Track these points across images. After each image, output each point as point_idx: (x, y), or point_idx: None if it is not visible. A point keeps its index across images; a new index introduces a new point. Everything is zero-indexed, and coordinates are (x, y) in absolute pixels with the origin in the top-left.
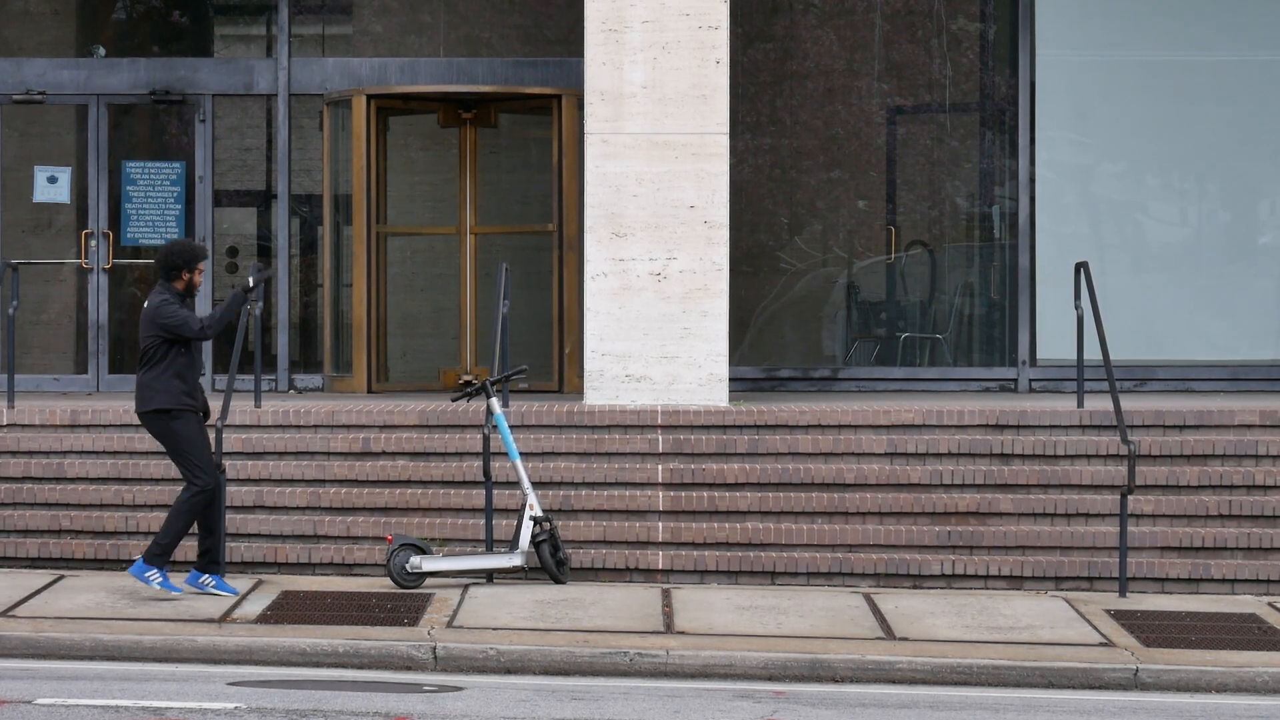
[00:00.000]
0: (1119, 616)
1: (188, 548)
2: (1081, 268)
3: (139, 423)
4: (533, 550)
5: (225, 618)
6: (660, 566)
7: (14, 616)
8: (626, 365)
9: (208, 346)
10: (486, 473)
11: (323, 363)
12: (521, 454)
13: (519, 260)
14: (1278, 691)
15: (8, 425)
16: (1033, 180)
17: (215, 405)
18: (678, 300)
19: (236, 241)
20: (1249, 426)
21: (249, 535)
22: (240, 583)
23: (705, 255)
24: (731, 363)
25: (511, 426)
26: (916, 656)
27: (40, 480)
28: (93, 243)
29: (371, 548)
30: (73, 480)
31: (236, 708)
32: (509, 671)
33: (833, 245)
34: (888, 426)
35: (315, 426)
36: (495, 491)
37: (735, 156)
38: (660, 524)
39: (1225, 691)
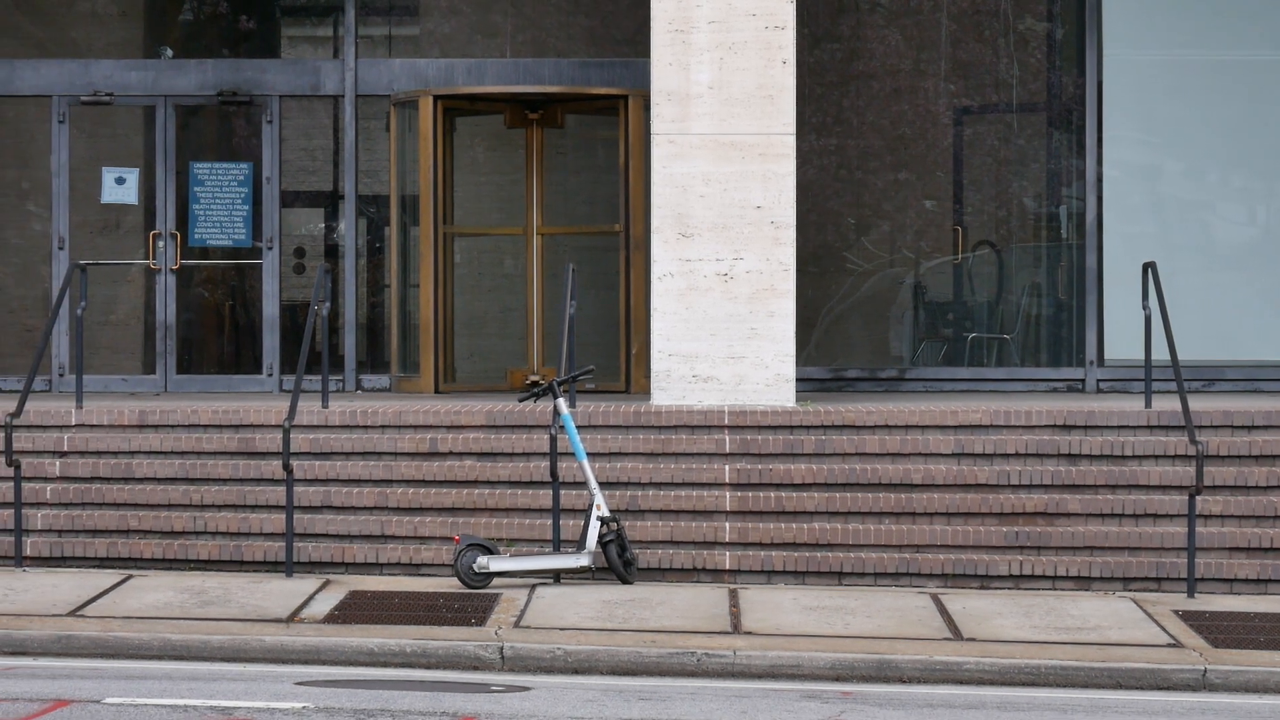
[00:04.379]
0: (1187, 617)
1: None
2: (1149, 268)
3: (207, 423)
4: (600, 550)
5: (293, 617)
6: (727, 567)
7: (83, 616)
8: (693, 366)
9: (274, 346)
10: (554, 473)
11: (390, 363)
12: (588, 454)
13: (585, 261)
14: None
15: (76, 425)
16: (1100, 180)
17: (283, 405)
18: (744, 301)
19: (303, 242)
20: None
21: (316, 535)
22: (308, 583)
23: (772, 255)
24: (798, 363)
25: (578, 427)
26: (984, 657)
27: (108, 480)
28: (160, 243)
29: (439, 548)
30: (141, 480)
31: (304, 707)
32: (576, 672)
33: (900, 246)
34: (955, 427)
35: (382, 427)
36: (562, 492)
37: (801, 157)
38: (727, 524)
39: None
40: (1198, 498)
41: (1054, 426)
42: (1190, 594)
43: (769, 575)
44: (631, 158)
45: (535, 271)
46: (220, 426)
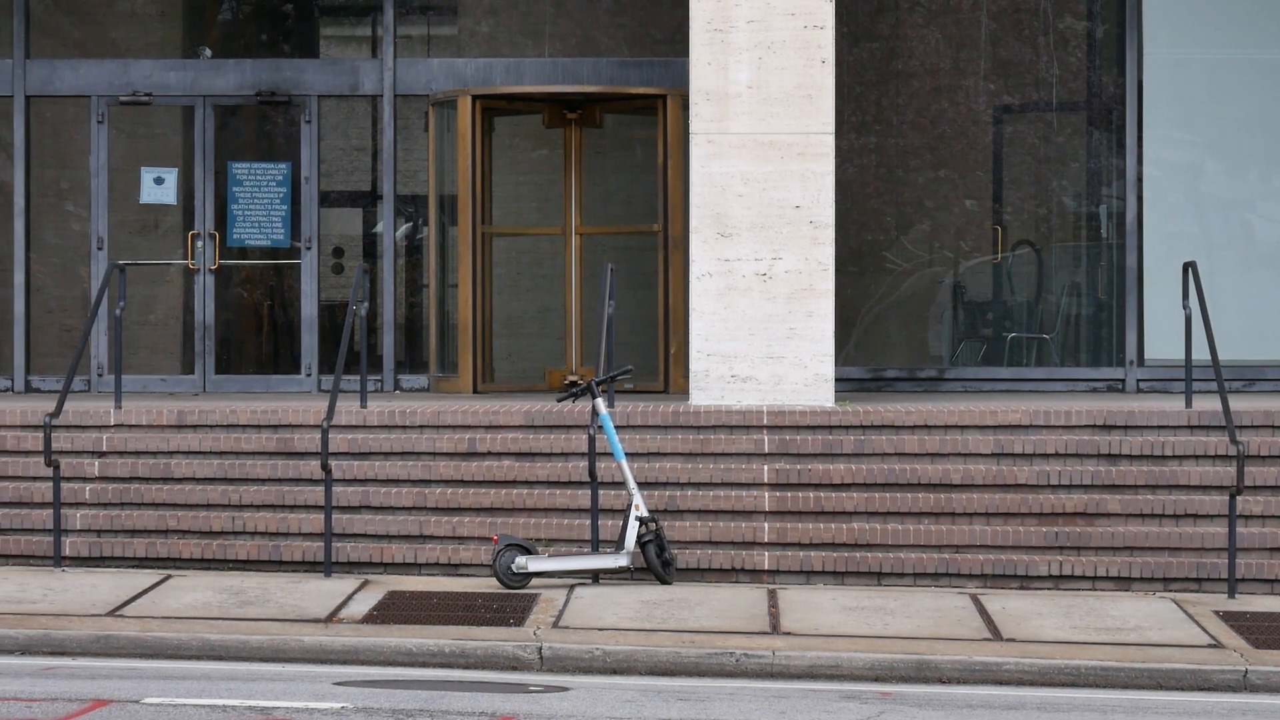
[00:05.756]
0: (1228, 618)
1: (301, 546)
2: (1189, 267)
3: (245, 423)
4: (638, 551)
5: (332, 618)
6: (766, 567)
7: (122, 616)
8: (732, 365)
9: (312, 346)
10: (592, 473)
11: (428, 363)
12: (627, 454)
13: (624, 260)
14: None
15: (115, 425)
16: (1140, 179)
17: (321, 405)
18: (783, 300)
19: (341, 242)
20: None
21: (355, 535)
22: (346, 583)
23: (810, 255)
24: (837, 363)
25: (617, 427)
26: (1024, 658)
27: (147, 480)
28: (199, 244)
29: (477, 548)
30: (179, 480)
31: (343, 707)
32: (614, 672)
33: (939, 245)
34: (994, 427)
35: (421, 427)
36: (601, 492)
37: (840, 156)
38: (766, 524)
39: None
40: (1238, 498)
41: (1094, 426)
42: (1231, 594)
43: (808, 575)
44: (670, 157)
45: (573, 271)
46: (259, 426)
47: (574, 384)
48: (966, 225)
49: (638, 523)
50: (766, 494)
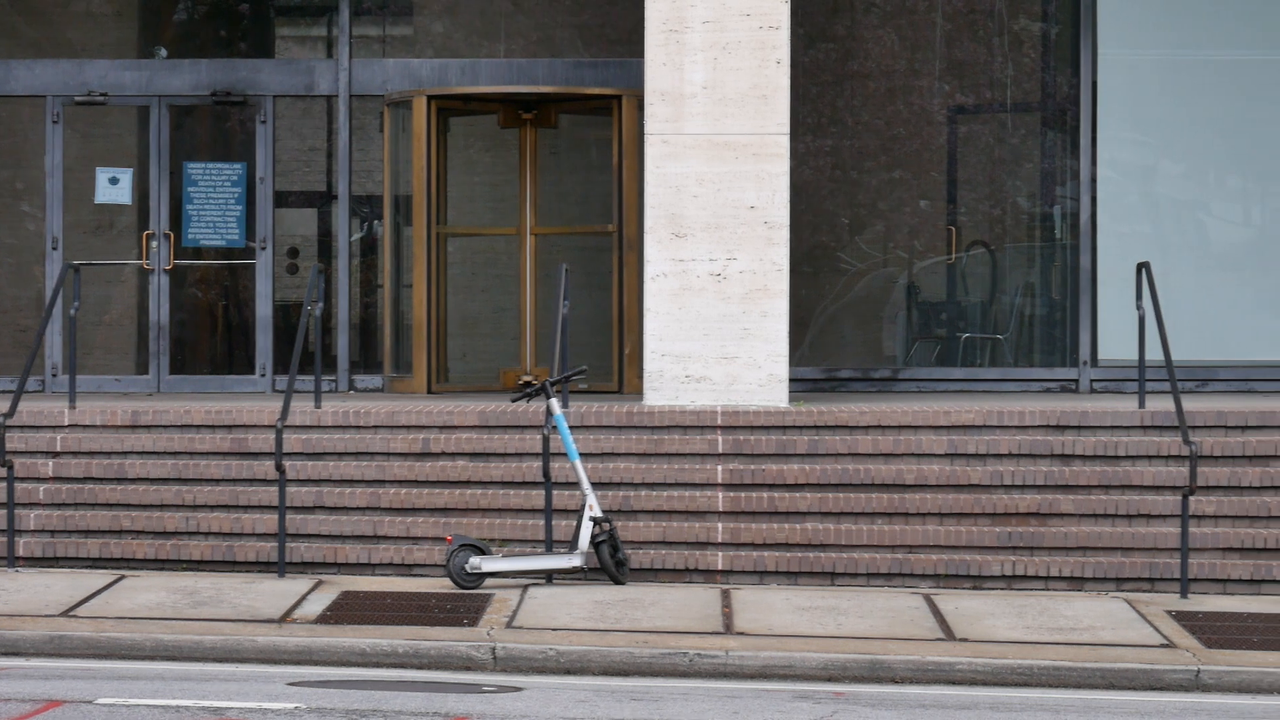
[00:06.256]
0: (1180, 618)
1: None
2: (1143, 268)
3: (200, 423)
4: (592, 551)
5: (285, 618)
6: (720, 567)
7: (75, 616)
8: (686, 366)
9: (267, 346)
10: (546, 473)
11: (383, 363)
12: (581, 454)
13: (579, 261)
14: None
15: (70, 426)
16: (1094, 180)
17: (275, 405)
18: (737, 301)
19: (297, 243)
20: None
21: (309, 535)
22: (300, 583)
23: (765, 256)
24: (791, 363)
25: (571, 427)
26: (977, 657)
27: (101, 481)
28: (154, 244)
29: (431, 548)
30: (133, 481)
31: (296, 708)
32: (568, 672)
33: (893, 245)
34: (948, 427)
35: (375, 427)
36: (555, 492)
37: (796, 158)
38: (720, 525)
39: None
40: (1191, 498)
41: (1047, 427)
42: (1183, 594)
43: (761, 576)
44: (625, 158)
45: (528, 272)
46: (213, 427)
47: (528, 384)
48: (921, 226)
49: (591, 523)
50: (720, 494)
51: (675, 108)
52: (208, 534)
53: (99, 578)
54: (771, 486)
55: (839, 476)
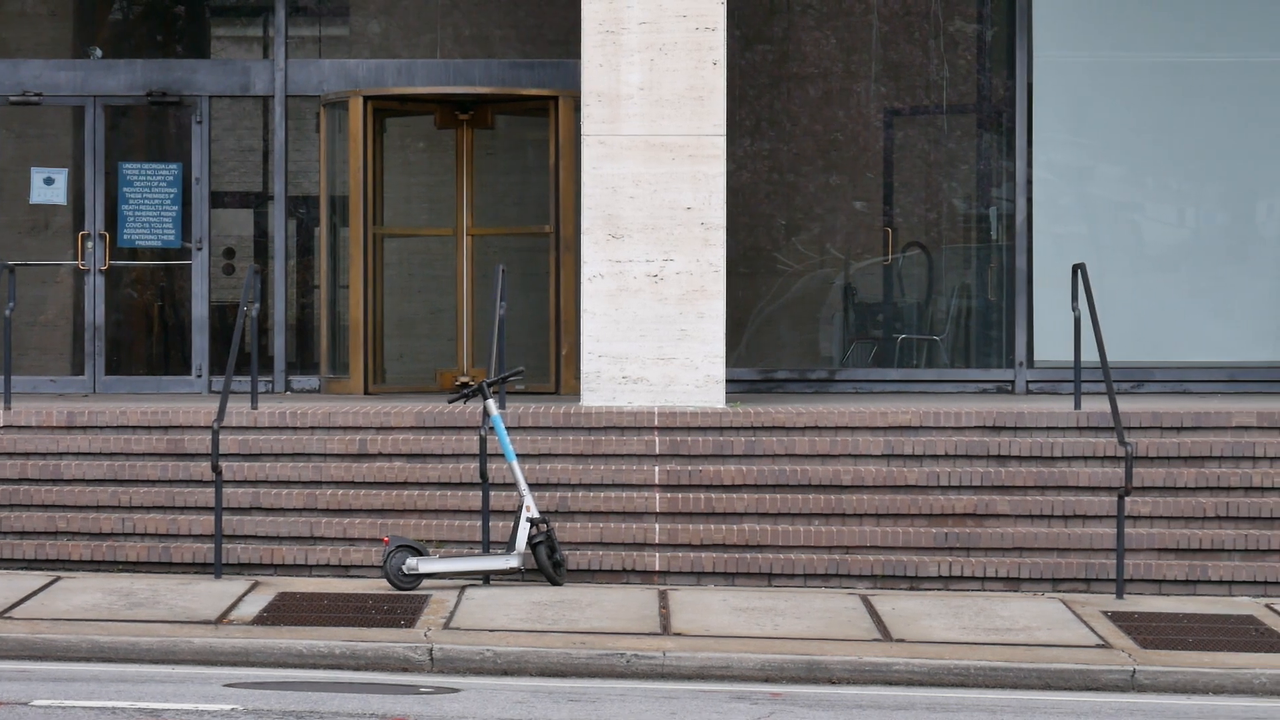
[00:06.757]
0: (1116, 618)
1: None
2: (1079, 269)
3: (136, 424)
4: (529, 552)
5: (222, 619)
6: (657, 568)
7: (10, 618)
8: (623, 367)
9: (204, 347)
10: (483, 474)
11: (319, 364)
12: (518, 455)
13: (516, 262)
14: (1275, 693)
15: (4, 427)
16: (1030, 182)
17: (212, 406)
18: (674, 302)
19: (233, 243)
20: (1246, 428)
21: (245, 537)
22: (237, 584)
23: (702, 257)
24: (728, 364)
25: (508, 428)
26: (913, 658)
27: (36, 482)
28: (89, 244)
29: (368, 549)
30: (69, 482)
31: (233, 709)
32: (506, 673)
33: (830, 247)
34: (885, 428)
35: (312, 428)
36: (492, 493)
37: (734, 161)
38: (657, 525)
39: (1223, 693)
40: (1126, 499)
41: (983, 428)
42: (1119, 595)
43: (699, 577)
44: (562, 159)
45: (465, 273)
46: (149, 428)
47: (465, 385)
48: (857, 227)
49: (529, 524)
50: (657, 495)
51: (612, 109)
52: (144, 535)
53: (34, 579)
54: (709, 487)
55: (776, 477)
